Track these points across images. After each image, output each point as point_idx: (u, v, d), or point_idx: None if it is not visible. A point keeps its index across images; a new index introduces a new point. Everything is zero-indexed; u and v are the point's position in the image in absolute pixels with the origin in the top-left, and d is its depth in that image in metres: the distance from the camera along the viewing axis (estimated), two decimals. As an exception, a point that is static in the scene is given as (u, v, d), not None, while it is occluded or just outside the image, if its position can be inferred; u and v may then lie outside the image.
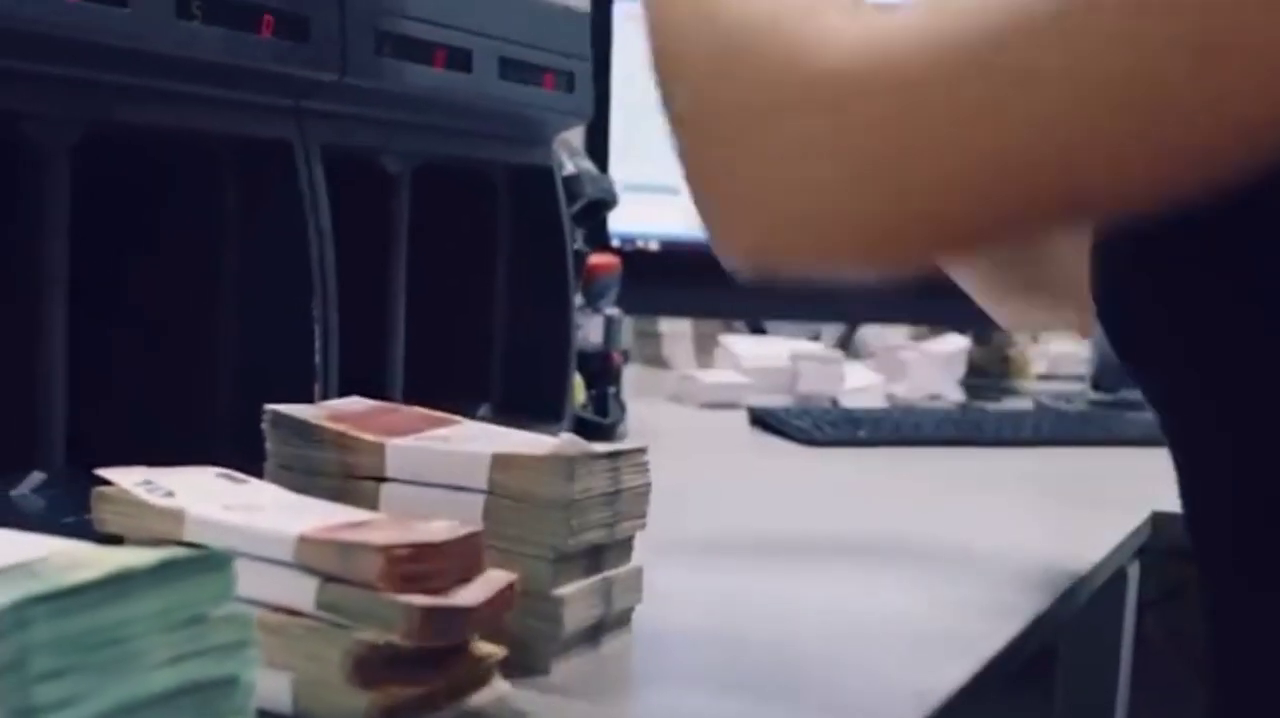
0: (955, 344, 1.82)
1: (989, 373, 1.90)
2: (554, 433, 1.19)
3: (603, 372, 1.39)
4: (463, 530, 0.57)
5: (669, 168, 1.94)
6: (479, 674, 0.60)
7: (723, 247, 0.63)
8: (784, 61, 0.56)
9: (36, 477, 0.82)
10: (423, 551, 0.55)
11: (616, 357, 1.44)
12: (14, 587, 0.46)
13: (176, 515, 0.60)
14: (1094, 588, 0.98)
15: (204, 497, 0.62)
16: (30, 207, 0.81)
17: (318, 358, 0.92)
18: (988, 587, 0.89)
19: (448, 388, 1.16)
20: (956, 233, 0.57)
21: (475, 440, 0.70)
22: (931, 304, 1.83)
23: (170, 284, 0.93)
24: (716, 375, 1.67)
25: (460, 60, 1.02)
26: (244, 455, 0.91)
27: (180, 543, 0.60)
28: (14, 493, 0.81)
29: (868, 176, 0.55)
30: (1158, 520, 1.09)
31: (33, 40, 0.73)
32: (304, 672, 0.56)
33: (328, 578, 0.57)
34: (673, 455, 1.30)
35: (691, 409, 1.61)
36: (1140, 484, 1.01)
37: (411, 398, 1.08)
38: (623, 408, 1.38)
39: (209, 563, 0.49)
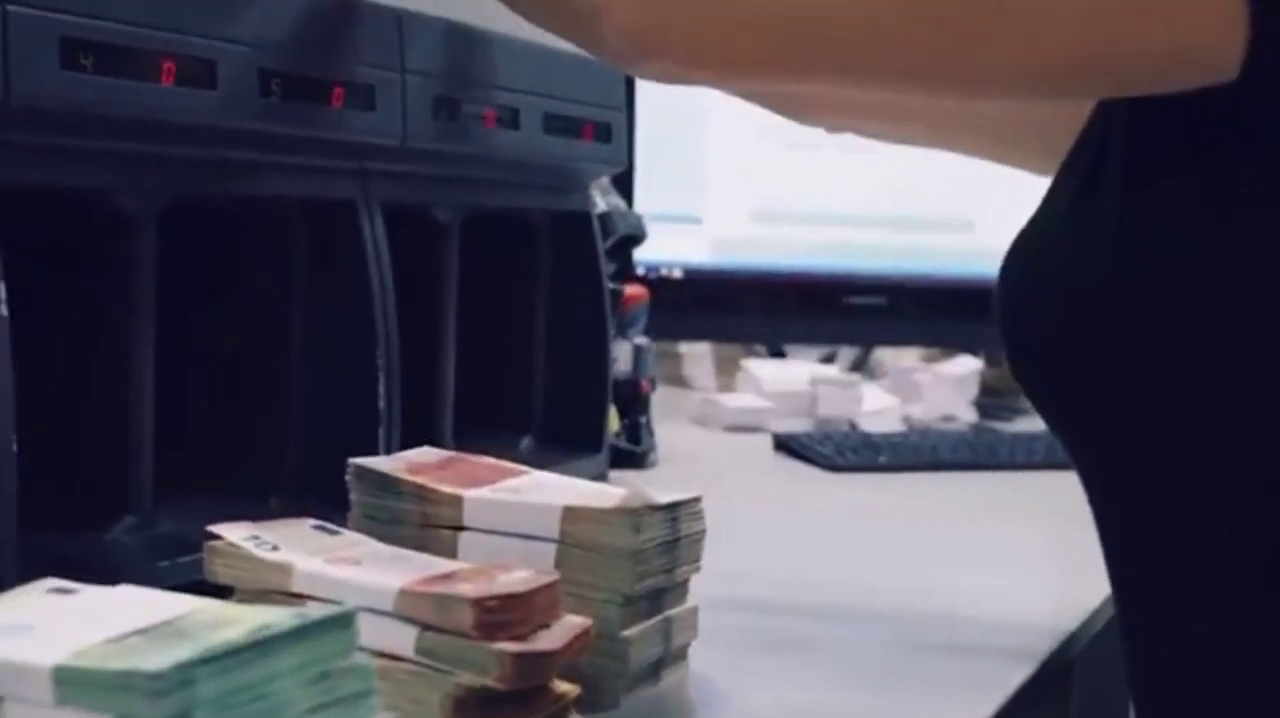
0: (968, 366, 1.88)
1: (1001, 393, 1.96)
2: (593, 462, 1.27)
3: (633, 400, 1.45)
4: (543, 580, 0.64)
5: (690, 199, 2.02)
6: (558, 711, 0.66)
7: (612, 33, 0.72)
8: None
9: (128, 521, 0.88)
10: (508, 601, 0.61)
11: (645, 384, 1.50)
12: (168, 645, 0.53)
13: (285, 569, 0.66)
14: (1106, 619, 1.03)
15: (307, 550, 0.68)
16: (121, 270, 0.87)
17: (382, 403, 0.99)
18: (1012, 616, 0.95)
19: (493, 421, 1.23)
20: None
21: (545, 491, 0.76)
22: (944, 327, 1.91)
23: (243, 336, 0.99)
24: (739, 400, 1.73)
25: (509, 118, 1.08)
26: (313, 494, 0.98)
27: (288, 594, 0.66)
28: (108, 537, 0.87)
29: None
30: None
31: (130, 124, 0.80)
32: (408, 713, 0.62)
33: (425, 627, 0.63)
34: (702, 482, 1.36)
35: (716, 433, 1.67)
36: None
37: (460, 431, 1.15)
38: (653, 435, 1.45)
39: (338, 621, 0.55)
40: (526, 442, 1.25)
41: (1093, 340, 0.67)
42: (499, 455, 1.19)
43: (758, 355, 2.01)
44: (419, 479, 0.77)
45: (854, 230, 1.86)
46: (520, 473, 0.80)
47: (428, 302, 1.12)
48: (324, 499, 0.97)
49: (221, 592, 0.75)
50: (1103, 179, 0.68)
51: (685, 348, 2.08)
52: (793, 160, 1.84)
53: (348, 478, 0.79)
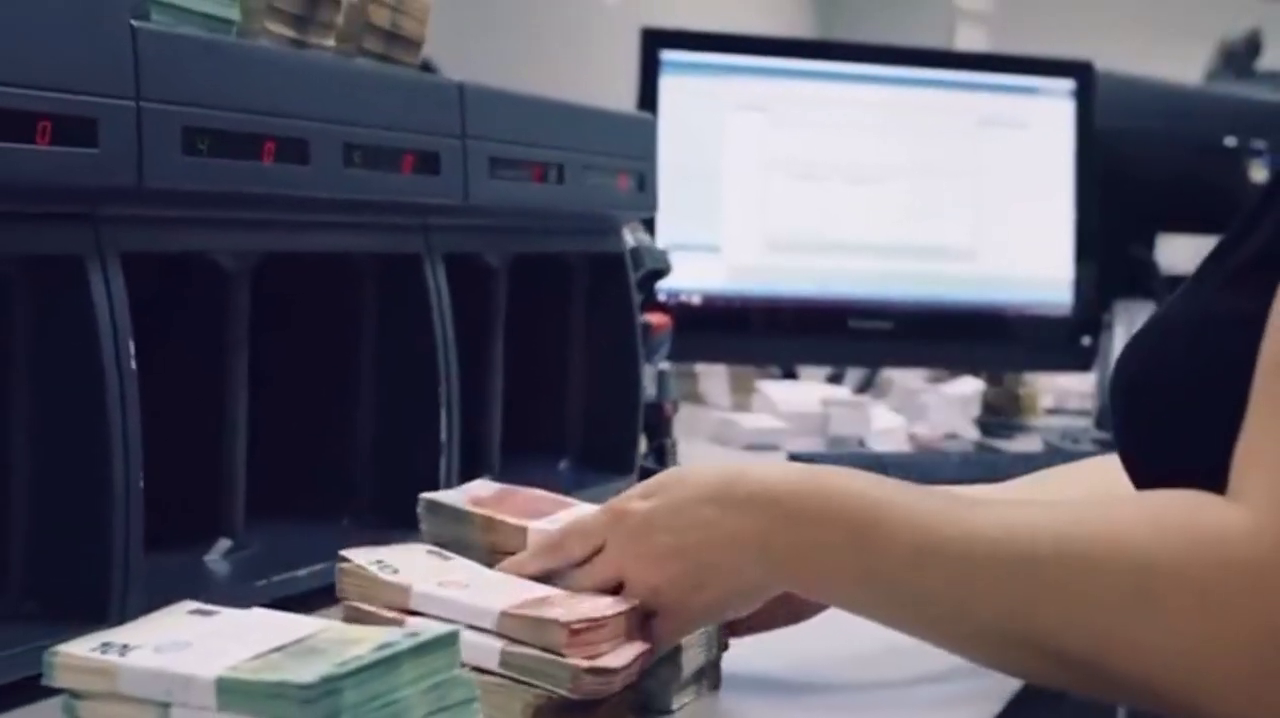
0: (970, 386, 1.99)
1: (1001, 411, 2.07)
2: (625, 484, 1.37)
3: (659, 422, 1.56)
4: (621, 607, 0.75)
5: (709, 229, 2.12)
6: (620, 714, 0.77)
7: None
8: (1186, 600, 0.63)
9: (223, 543, 0.99)
10: (595, 624, 0.72)
11: (668, 407, 1.61)
12: (308, 660, 0.64)
13: (404, 590, 0.77)
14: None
15: (422, 573, 0.79)
16: (218, 320, 0.98)
17: (443, 435, 1.09)
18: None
19: (533, 445, 1.33)
20: None
21: None
22: (947, 349, 2.02)
23: (321, 375, 1.10)
24: (755, 420, 1.84)
25: (556, 174, 1.19)
26: (381, 516, 1.09)
27: (405, 611, 0.77)
28: (206, 558, 0.98)
29: None
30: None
31: (235, 197, 0.91)
32: None
33: (510, 642, 0.74)
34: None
35: (734, 452, 1.78)
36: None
37: (503, 455, 1.26)
38: (677, 457, 1.55)
39: (446, 639, 0.66)
40: (563, 464, 1.36)
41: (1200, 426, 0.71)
42: (538, 478, 1.31)
43: (771, 375, 2.12)
44: (486, 512, 0.88)
45: (863, 258, 1.97)
46: (570, 505, 0.90)
47: (478, 338, 1.23)
48: (390, 520, 1.09)
49: (309, 608, 0.86)
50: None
51: (701, 367, 2.19)
52: (804, 192, 1.95)
53: (419, 511, 0.89)
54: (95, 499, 0.83)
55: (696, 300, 1.90)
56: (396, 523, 1.08)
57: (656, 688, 0.81)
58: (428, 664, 0.65)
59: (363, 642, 0.65)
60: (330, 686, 0.61)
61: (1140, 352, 0.81)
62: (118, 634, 0.69)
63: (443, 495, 0.91)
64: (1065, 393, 2.25)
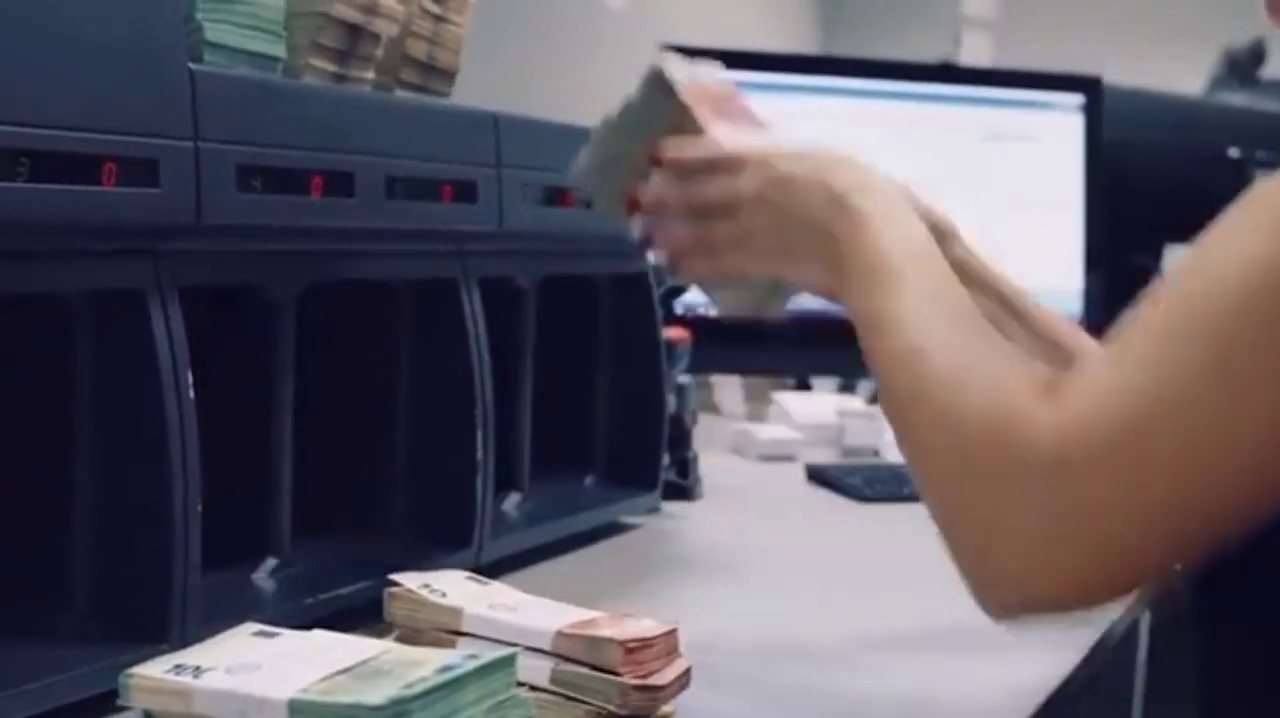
0: (982, 396, 2.02)
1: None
2: (649, 497, 1.40)
3: (678, 435, 1.59)
4: (666, 628, 0.78)
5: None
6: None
7: (979, 599, 0.74)
8: (993, 436, 0.70)
9: (270, 562, 1.03)
10: (644, 643, 0.76)
11: (688, 419, 1.64)
12: (375, 683, 0.67)
13: (456, 612, 0.80)
14: (1111, 646, 1.17)
15: (470, 596, 0.82)
16: (266, 348, 1.01)
17: (479, 454, 1.13)
18: (1018, 653, 1.08)
19: (560, 460, 1.37)
20: (1148, 566, 0.69)
21: None
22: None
23: (361, 397, 1.13)
24: (772, 431, 1.87)
25: (586, 200, 1.22)
26: (418, 534, 1.13)
27: (456, 632, 0.80)
28: (254, 576, 1.02)
29: (1090, 540, 0.67)
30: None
31: (285, 230, 0.94)
32: (546, 733, 0.77)
33: (561, 660, 0.77)
34: (745, 514, 1.51)
35: (750, 462, 1.82)
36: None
37: (532, 469, 1.29)
38: (698, 469, 1.58)
39: (505, 661, 0.70)
40: (589, 480, 1.39)
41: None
42: (564, 492, 1.34)
43: (785, 386, 2.15)
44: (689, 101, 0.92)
45: (876, 271, 2.00)
46: (762, 128, 0.98)
47: (508, 357, 1.26)
48: (429, 538, 1.12)
49: (356, 624, 0.90)
50: None
51: (716, 378, 2.22)
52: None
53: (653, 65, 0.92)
54: (156, 524, 0.86)
55: (713, 313, 1.93)
56: (435, 540, 1.12)
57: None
58: (488, 685, 0.69)
59: (425, 664, 0.69)
60: (399, 707, 0.64)
61: None
62: (189, 657, 0.73)
63: (675, 68, 0.93)
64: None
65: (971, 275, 1.03)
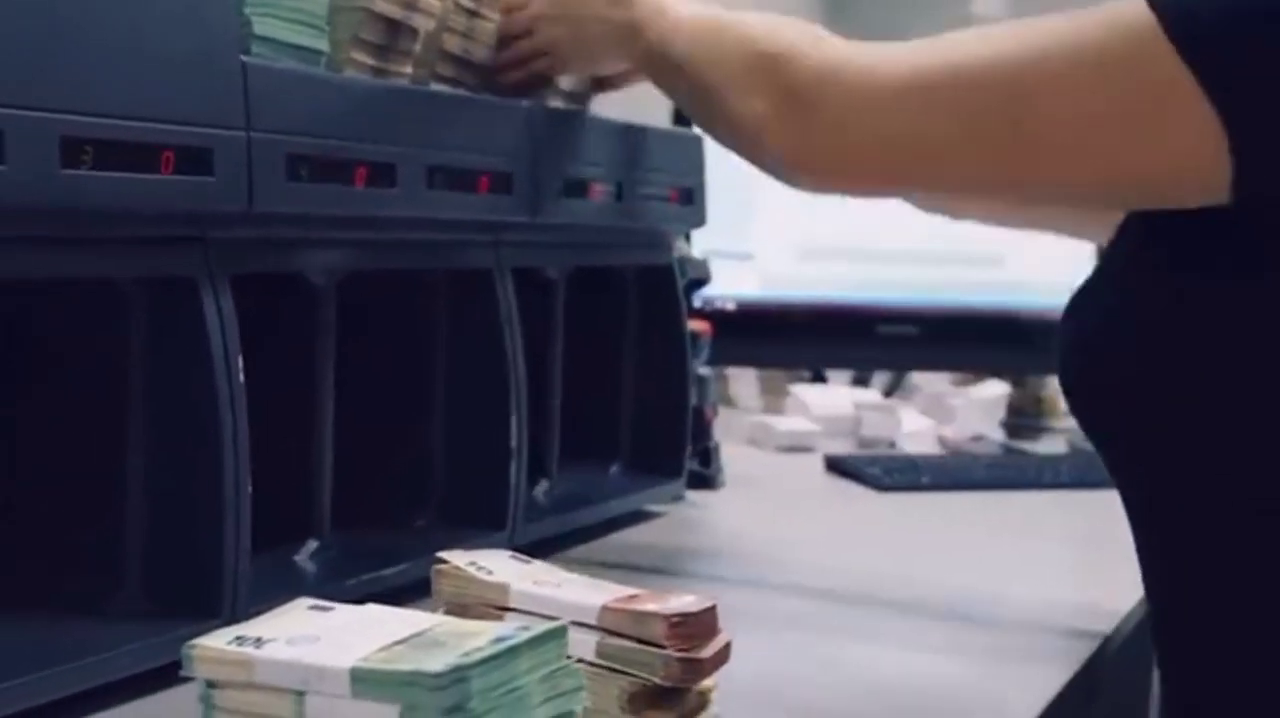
0: (996, 389, 2.05)
1: (1025, 413, 2.13)
2: (673, 486, 1.43)
3: (699, 426, 1.61)
4: (706, 603, 0.80)
5: (743, 238, 2.18)
6: (702, 703, 0.83)
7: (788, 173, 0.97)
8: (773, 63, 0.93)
9: (312, 544, 1.05)
10: (687, 618, 0.78)
11: (709, 411, 1.67)
12: (433, 652, 0.69)
13: (503, 588, 0.83)
14: (1129, 633, 1.19)
15: (514, 574, 0.84)
16: (308, 333, 1.04)
17: (513, 441, 1.15)
18: (1041, 634, 1.11)
19: (586, 450, 1.39)
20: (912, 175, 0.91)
21: None
22: (973, 353, 2.07)
23: (397, 383, 1.15)
24: (790, 423, 1.89)
25: (615, 190, 1.25)
26: (452, 518, 1.15)
27: (502, 608, 0.82)
28: (296, 558, 1.04)
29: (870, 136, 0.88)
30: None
31: (331, 219, 0.96)
32: (591, 704, 0.79)
33: (607, 634, 0.80)
34: (767, 502, 1.53)
35: (769, 453, 1.84)
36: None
37: (560, 457, 1.31)
38: (720, 459, 1.61)
39: (556, 633, 0.72)
40: (615, 468, 1.42)
41: (1120, 373, 0.82)
42: (591, 481, 1.36)
43: (800, 379, 2.18)
44: None
45: (890, 266, 2.02)
46: None
47: (538, 348, 1.29)
48: (463, 521, 1.15)
49: (397, 603, 0.91)
50: (1124, 261, 0.84)
51: (732, 371, 2.25)
52: (834, 203, 2.00)
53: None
54: (208, 504, 0.88)
55: (731, 307, 1.96)
56: (469, 524, 1.14)
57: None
58: (541, 655, 0.71)
59: (479, 635, 0.71)
60: (459, 674, 0.67)
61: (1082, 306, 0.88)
62: (249, 629, 0.75)
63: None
64: (1085, 395, 2.30)
65: None
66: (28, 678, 0.79)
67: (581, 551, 1.26)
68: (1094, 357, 0.84)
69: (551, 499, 1.29)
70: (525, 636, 0.70)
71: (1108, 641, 1.10)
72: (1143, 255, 0.83)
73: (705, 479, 1.55)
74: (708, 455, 1.57)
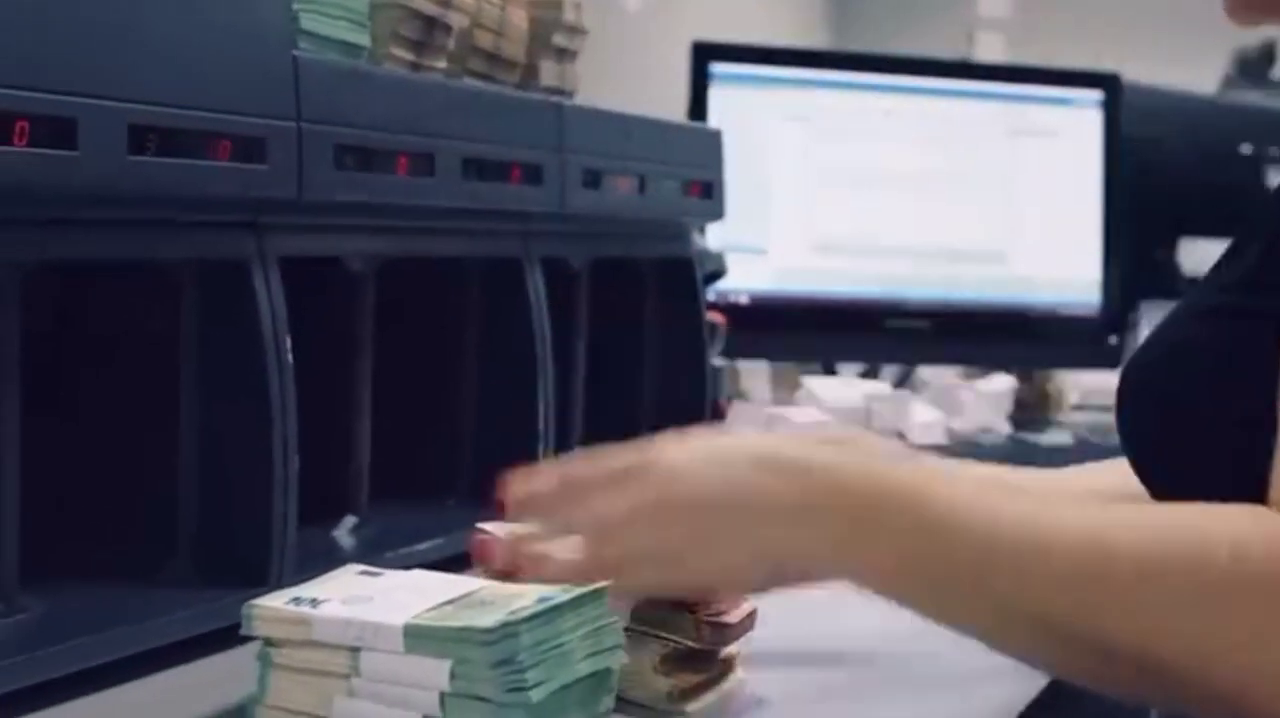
0: (1003, 383, 2.09)
1: (1031, 407, 2.17)
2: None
3: (715, 416, 1.65)
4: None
5: (756, 232, 2.21)
6: (728, 667, 0.87)
7: None
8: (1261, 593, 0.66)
9: (350, 520, 1.09)
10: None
11: (723, 402, 1.71)
12: (481, 611, 0.73)
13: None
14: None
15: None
16: (348, 317, 1.08)
17: (541, 424, 1.19)
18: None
19: (606, 437, 1.43)
20: None
21: None
22: (980, 348, 2.12)
23: (431, 367, 1.20)
24: (802, 414, 1.93)
25: (638, 183, 1.29)
26: (481, 498, 1.19)
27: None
28: (335, 533, 1.08)
29: None
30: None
31: (372, 206, 1.01)
32: (625, 665, 0.83)
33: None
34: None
35: (782, 443, 1.88)
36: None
37: (582, 443, 1.35)
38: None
39: (597, 593, 0.76)
40: (635, 453, 1.46)
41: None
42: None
43: (810, 372, 2.22)
44: None
45: (901, 261, 2.07)
46: None
47: (562, 336, 1.33)
48: (489, 503, 1.18)
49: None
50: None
51: (743, 364, 2.29)
52: (847, 198, 2.05)
53: None
54: (258, 477, 0.93)
55: (745, 300, 2.00)
56: (499, 506, 1.18)
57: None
58: (584, 614, 0.75)
59: (524, 596, 0.75)
60: (509, 629, 0.71)
61: (1146, 362, 0.87)
62: (304, 591, 0.79)
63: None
64: (1090, 390, 2.34)
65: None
66: (85, 639, 0.83)
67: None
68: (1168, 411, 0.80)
69: (575, 483, 1.33)
70: (568, 595, 0.75)
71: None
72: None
73: (721, 466, 1.59)
74: (723, 444, 1.61)
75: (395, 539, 1.08)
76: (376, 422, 1.11)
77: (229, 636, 0.89)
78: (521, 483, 0.83)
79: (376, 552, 1.06)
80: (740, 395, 2.28)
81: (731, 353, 1.96)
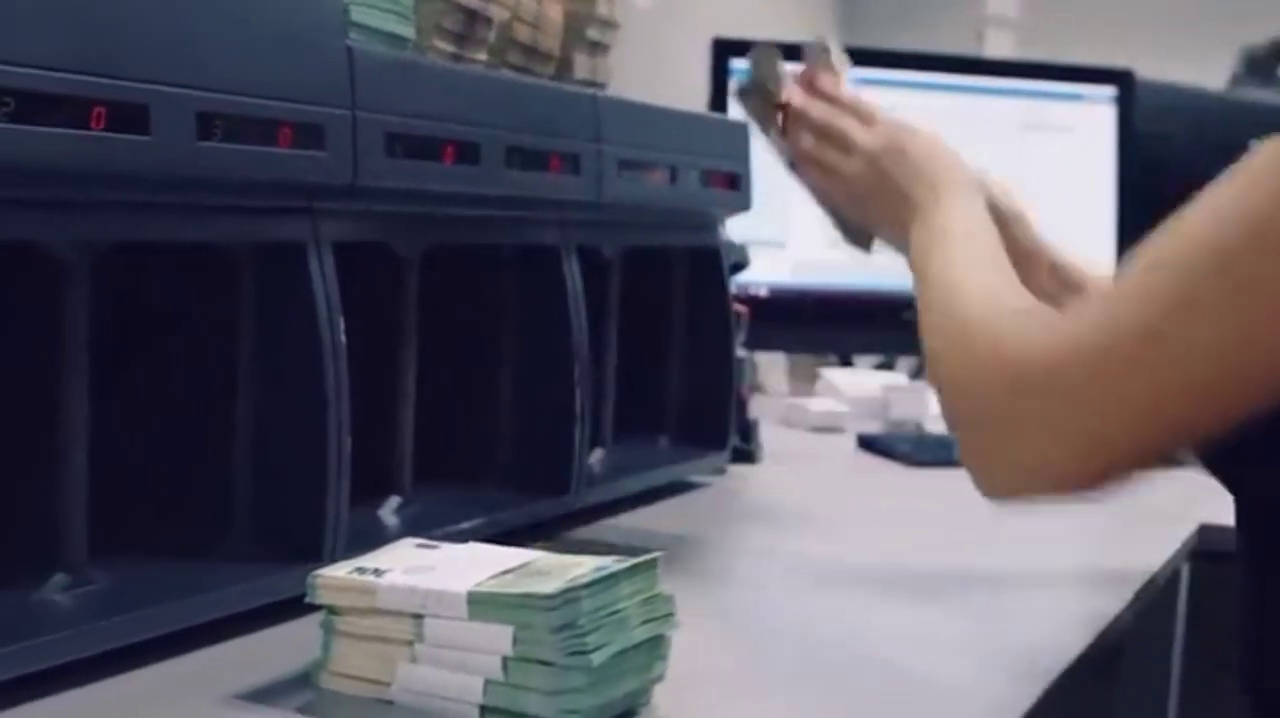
0: (1018, 375, 2.12)
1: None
2: (718, 458, 1.49)
3: (738, 404, 1.68)
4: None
5: (776, 226, 2.24)
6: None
7: (982, 488, 0.89)
8: (1000, 356, 0.84)
9: (394, 500, 1.12)
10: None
11: (745, 390, 1.74)
12: (540, 579, 0.76)
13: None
14: (1156, 591, 1.26)
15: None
16: (393, 301, 1.11)
17: (577, 409, 1.22)
18: (1069, 595, 1.17)
19: (636, 422, 1.46)
20: (1132, 463, 0.81)
21: None
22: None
23: (469, 356, 1.22)
24: (821, 404, 1.97)
25: (670, 174, 1.32)
26: (519, 481, 1.22)
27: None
28: (380, 512, 1.11)
29: (1075, 440, 0.80)
30: (1204, 532, 1.39)
31: (421, 193, 1.04)
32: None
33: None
34: (805, 475, 1.60)
35: (801, 433, 1.91)
36: (1186, 498, 1.31)
37: (612, 429, 1.38)
38: (759, 436, 1.68)
39: (650, 563, 0.79)
40: (663, 440, 1.49)
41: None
42: (640, 452, 1.43)
43: (828, 364, 2.25)
44: None
45: (917, 254, 2.10)
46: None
47: (594, 323, 1.35)
48: (526, 485, 1.22)
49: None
50: None
51: (760, 356, 2.32)
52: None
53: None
54: (312, 455, 0.95)
55: (764, 293, 2.03)
56: (534, 487, 1.21)
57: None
58: (638, 583, 0.78)
59: (580, 566, 0.78)
60: (571, 595, 0.74)
61: None
62: (366, 561, 0.82)
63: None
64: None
65: (1024, 251, 1.19)
66: (150, 610, 0.86)
67: (631, 516, 1.33)
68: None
69: (606, 467, 1.36)
70: (622, 565, 0.77)
71: (1135, 598, 1.17)
72: None
73: (745, 454, 1.62)
74: (748, 431, 1.64)
75: (437, 519, 1.10)
76: (418, 405, 1.14)
77: (283, 609, 0.93)
78: None
79: (420, 531, 1.07)
80: (757, 388, 2.31)
81: (750, 345, 1.99)
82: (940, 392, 0.93)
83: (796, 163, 1.19)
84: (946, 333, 0.93)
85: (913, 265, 1.06)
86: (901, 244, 1.11)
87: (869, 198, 1.14)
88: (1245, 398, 0.76)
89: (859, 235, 1.24)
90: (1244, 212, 0.75)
